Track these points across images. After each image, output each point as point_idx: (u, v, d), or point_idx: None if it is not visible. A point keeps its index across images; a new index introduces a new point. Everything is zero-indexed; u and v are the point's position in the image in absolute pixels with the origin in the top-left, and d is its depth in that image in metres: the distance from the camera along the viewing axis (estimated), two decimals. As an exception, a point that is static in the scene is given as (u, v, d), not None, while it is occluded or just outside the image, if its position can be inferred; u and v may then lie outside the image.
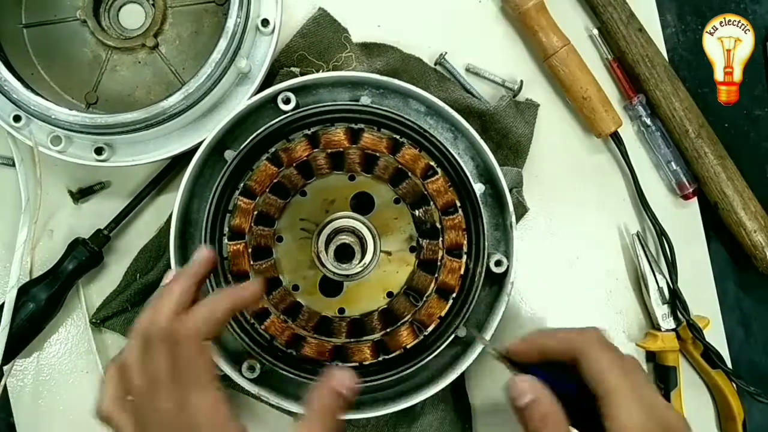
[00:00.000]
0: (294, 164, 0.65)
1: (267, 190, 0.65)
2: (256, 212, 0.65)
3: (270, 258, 0.65)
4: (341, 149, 0.65)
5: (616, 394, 0.48)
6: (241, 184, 0.65)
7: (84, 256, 0.72)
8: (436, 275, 0.65)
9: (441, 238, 0.65)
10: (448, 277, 0.65)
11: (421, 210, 0.66)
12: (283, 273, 0.66)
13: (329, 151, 0.65)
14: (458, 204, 0.66)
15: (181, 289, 0.52)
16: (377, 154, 0.65)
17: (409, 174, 0.65)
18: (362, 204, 0.66)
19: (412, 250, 0.66)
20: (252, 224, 0.65)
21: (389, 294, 0.66)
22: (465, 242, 0.66)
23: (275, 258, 0.65)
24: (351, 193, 0.66)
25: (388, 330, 0.65)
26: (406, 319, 0.65)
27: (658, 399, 0.50)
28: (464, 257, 0.66)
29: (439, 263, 0.65)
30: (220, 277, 0.65)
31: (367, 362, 0.65)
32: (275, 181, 0.65)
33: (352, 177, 0.66)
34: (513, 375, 0.52)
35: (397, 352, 0.65)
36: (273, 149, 0.65)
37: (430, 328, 0.65)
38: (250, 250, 0.65)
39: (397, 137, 0.66)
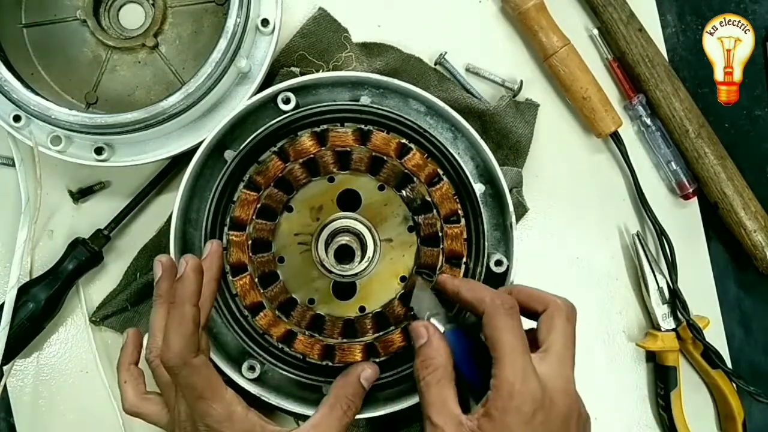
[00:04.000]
0: (271, 184, 0.65)
1: (254, 216, 0.65)
2: (250, 241, 0.65)
3: (278, 281, 0.65)
4: (312, 155, 0.65)
5: (502, 354, 0.52)
6: (228, 218, 0.65)
7: (84, 256, 0.72)
8: (441, 246, 0.65)
9: (435, 210, 0.65)
10: (454, 244, 0.65)
11: (407, 189, 0.66)
12: (295, 291, 0.65)
13: (301, 160, 0.65)
14: (441, 172, 0.66)
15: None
16: (348, 149, 0.65)
17: (385, 158, 0.65)
18: (349, 201, 0.66)
19: (410, 230, 0.66)
20: (250, 254, 0.65)
21: (402, 278, 0.66)
22: (459, 206, 0.66)
23: (282, 279, 0.65)
24: (335, 194, 0.66)
25: (412, 313, 0.65)
26: None
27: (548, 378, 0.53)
28: (462, 221, 0.66)
29: (440, 234, 0.65)
30: (234, 311, 0.65)
31: (401, 351, 0.65)
32: (258, 205, 0.65)
33: (331, 179, 0.66)
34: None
35: None
36: (247, 175, 0.65)
37: None
38: (256, 279, 0.65)
39: (362, 126, 0.66)
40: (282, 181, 0.65)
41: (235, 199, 0.65)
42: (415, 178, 0.65)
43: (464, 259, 0.66)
